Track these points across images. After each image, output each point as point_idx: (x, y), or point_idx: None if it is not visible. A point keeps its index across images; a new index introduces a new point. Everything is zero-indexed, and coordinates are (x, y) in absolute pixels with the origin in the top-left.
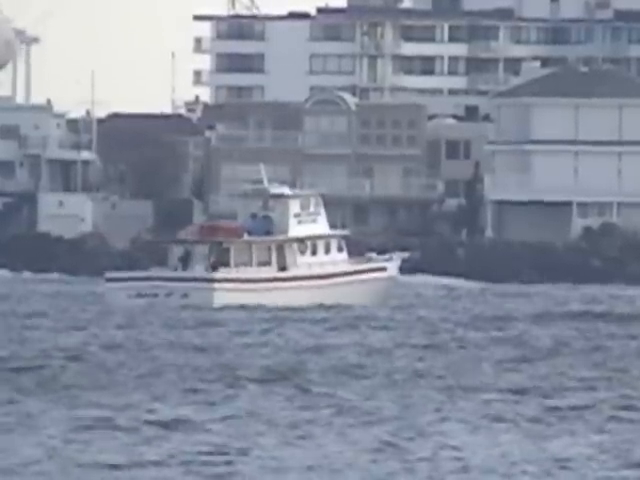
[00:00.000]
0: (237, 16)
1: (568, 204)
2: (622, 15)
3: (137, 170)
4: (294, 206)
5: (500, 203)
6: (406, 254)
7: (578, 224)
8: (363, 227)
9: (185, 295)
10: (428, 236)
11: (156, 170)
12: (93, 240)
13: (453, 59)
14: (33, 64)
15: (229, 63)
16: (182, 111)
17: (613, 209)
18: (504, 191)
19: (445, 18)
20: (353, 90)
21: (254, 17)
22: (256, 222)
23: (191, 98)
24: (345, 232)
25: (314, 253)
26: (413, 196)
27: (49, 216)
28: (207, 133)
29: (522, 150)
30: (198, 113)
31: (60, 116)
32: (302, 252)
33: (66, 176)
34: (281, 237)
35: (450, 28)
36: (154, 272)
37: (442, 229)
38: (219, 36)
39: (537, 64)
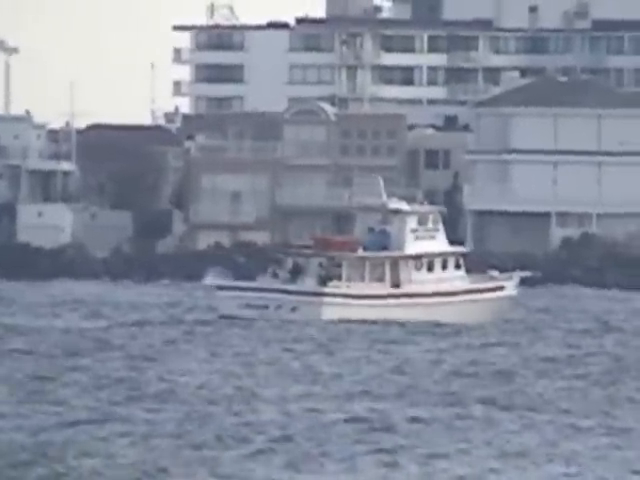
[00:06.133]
0: (216, 26)
1: (547, 214)
2: (600, 25)
3: (117, 180)
4: (411, 222)
5: (479, 213)
6: (527, 273)
7: (558, 234)
8: None
9: (294, 308)
10: None
11: (136, 181)
12: (73, 250)
13: (432, 69)
14: (12, 75)
15: (208, 73)
16: (161, 122)
17: (593, 219)
18: (483, 201)
19: (424, 28)
20: (332, 100)
21: (233, 27)
22: (373, 236)
23: (171, 109)
24: (465, 249)
25: (430, 270)
26: None
27: (28, 227)
28: (187, 143)
29: (501, 160)
30: (177, 123)
31: (40, 127)
32: (417, 269)
33: (46, 187)
34: (396, 253)
35: (429, 38)
36: (265, 283)
37: None
38: (198, 46)
39: (516, 74)
